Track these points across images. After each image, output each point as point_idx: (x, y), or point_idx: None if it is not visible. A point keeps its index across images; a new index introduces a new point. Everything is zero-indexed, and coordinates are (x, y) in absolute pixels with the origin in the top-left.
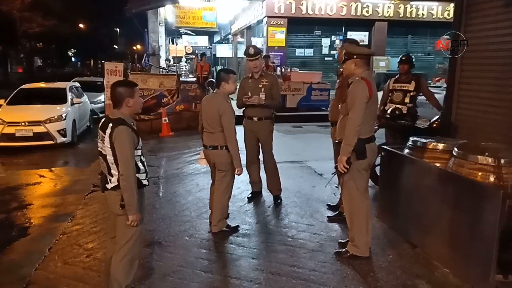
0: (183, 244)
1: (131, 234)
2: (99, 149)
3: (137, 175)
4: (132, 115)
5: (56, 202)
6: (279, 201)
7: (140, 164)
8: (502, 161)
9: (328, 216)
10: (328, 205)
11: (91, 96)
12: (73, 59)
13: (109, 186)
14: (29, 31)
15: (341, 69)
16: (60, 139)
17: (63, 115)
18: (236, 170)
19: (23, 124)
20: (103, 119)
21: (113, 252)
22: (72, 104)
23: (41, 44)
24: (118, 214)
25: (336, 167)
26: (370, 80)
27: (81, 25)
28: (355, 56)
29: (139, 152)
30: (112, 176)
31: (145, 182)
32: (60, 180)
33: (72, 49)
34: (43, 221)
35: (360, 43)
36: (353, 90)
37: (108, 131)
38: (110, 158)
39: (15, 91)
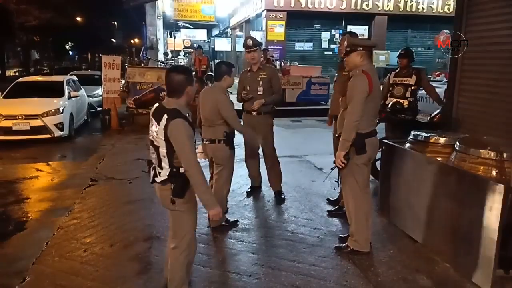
0: None
1: (187, 228)
2: (150, 137)
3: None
4: (188, 105)
5: (53, 196)
6: (282, 196)
7: None
8: (505, 155)
9: (328, 211)
10: (328, 199)
11: (88, 90)
12: (70, 52)
13: (158, 179)
14: (25, 24)
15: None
16: (58, 133)
17: (60, 109)
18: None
19: (20, 117)
20: (156, 106)
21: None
22: (70, 97)
23: (38, 37)
24: (170, 209)
25: (334, 162)
26: (371, 73)
27: (78, 18)
28: (361, 48)
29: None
30: (162, 169)
31: None
32: (57, 174)
33: (69, 43)
34: (40, 215)
35: (360, 37)
36: (353, 84)
37: (163, 122)
38: (162, 150)
39: (12, 84)
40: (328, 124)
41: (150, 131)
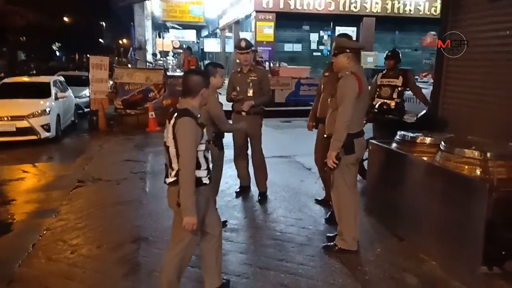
0: None
1: (186, 233)
2: (164, 139)
3: (196, 171)
4: (201, 107)
5: (40, 198)
6: (266, 196)
7: (202, 160)
8: (488, 154)
9: (325, 219)
10: (316, 199)
11: (76, 91)
12: (57, 53)
13: (168, 180)
14: (12, 24)
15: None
16: (44, 134)
17: (47, 110)
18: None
19: (5, 119)
20: (172, 108)
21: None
22: (56, 98)
23: (24, 38)
24: (175, 212)
25: (325, 163)
26: (360, 74)
27: (65, 19)
28: (348, 50)
29: (202, 147)
30: (173, 170)
31: (205, 180)
32: (44, 175)
33: (56, 43)
34: (27, 217)
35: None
36: (343, 85)
37: (172, 121)
38: (172, 150)
39: None
40: (310, 127)
41: (164, 132)
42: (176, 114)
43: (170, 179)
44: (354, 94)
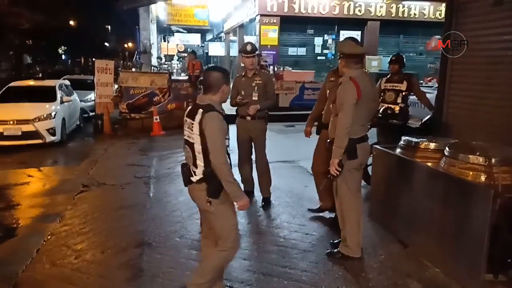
0: (174, 245)
1: (230, 229)
2: (186, 137)
3: None
4: (221, 103)
5: (44, 202)
6: (270, 202)
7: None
8: (493, 160)
9: (328, 225)
10: (308, 209)
11: (81, 94)
12: (63, 56)
13: (193, 178)
14: (18, 27)
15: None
16: (49, 138)
17: (53, 114)
18: None
19: (11, 122)
20: (191, 106)
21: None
22: (62, 102)
23: (30, 41)
24: (206, 210)
25: (329, 170)
26: (359, 80)
27: (71, 22)
28: (341, 56)
29: (226, 142)
30: (197, 168)
31: None
32: (49, 179)
33: (62, 46)
34: (31, 221)
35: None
36: (341, 92)
37: (198, 117)
38: (197, 146)
39: (3, 89)
40: (307, 133)
41: (184, 131)
42: (202, 110)
43: (196, 177)
44: (352, 100)
